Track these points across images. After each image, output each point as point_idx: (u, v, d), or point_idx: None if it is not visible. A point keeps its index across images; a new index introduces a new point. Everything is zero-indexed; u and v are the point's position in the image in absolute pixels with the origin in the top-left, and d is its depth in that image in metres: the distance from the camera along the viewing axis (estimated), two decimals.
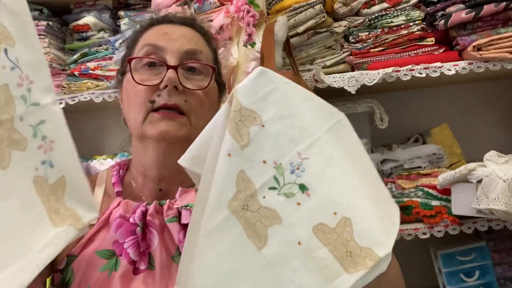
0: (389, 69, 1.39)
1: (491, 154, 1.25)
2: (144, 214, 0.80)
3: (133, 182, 0.90)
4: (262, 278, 0.61)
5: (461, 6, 1.37)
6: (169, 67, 0.80)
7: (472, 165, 1.24)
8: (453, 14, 1.36)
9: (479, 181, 1.21)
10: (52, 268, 0.77)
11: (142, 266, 0.78)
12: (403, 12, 1.46)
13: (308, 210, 0.62)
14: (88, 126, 1.86)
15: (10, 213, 0.56)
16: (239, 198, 0.61)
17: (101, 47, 1.64)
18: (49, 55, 1.57)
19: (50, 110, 0.62)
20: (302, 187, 0.63)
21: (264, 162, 0.62)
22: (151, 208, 0.81)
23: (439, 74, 1.37)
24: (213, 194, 0.61)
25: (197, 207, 0.66)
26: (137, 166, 0.89)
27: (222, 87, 0.94)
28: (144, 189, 0.88)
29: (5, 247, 0.55)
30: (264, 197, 0.62)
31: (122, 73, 0.89)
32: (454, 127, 1.59)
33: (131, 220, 0.79)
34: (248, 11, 1.26)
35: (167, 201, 0.82)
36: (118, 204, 0.82)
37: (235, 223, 0.61)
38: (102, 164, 1.58)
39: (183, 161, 0.67)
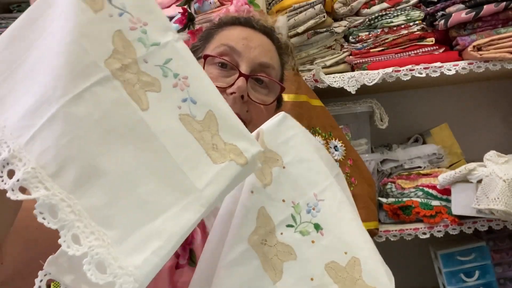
0: (389, 69, 1.39)
1: (491, 154, 1.25)
2: None
3: None
4: None
5: (461, 6, 1.37)
6: (241, 74, 0.81)
7: (472, 165, 1.24)
8: (453, 14, 1.36)
9: (479, 181, 1.21)
10: None
11: (183, 261, 0.80)
12: (403, 12, 1.46)
13: (322, 248, 0.66)
14: None
15: (165, 152, 0.53)
16: (259, 233, 0.64)
17: None
18: None
19: (174, 47, 0.57)
20: (317, 227, 0.67)
21: (283, 201, 0.66)
22: None
23: (439, 74, 1.37)
24: (235, 227, 0.64)
25: (214, 238, 0.68)
26: None
27: (279, 104, 0.95)
28: None
29: (166, 187, 0.53)
30: (281, 234, 0.65)
31: None
32: (454, 127, 1.60)
33: None
34: (248, 11, 1.26)
35: None
36: None
37: (254, 256, 0.64)
38: None
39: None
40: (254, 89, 0.84)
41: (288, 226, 0.66)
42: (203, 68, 0.81)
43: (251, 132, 0.77)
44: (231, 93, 0.80)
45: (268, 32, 0.91)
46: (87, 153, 0.50)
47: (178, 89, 0.57)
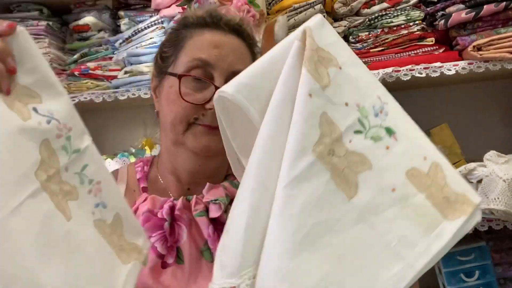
0: (389, 69, 1.39)
1: (491, 154, 1.25)
2: (172, 209, 0.81)
3: (160, 179, 0.91)
4: (356, 230, 0.56)
5: (461, 6, 1.37)
6: (217, 88, 0.78)
7: (472, 165, 1.24)
8: (453, 14, 1.36)
9: (479, 181, 1.21)
10: None
11: (170, 260, 0.79)
12: (403, 12, 1.46)
13: (399, 154, 0.59)
14: (88, 126, 1.85)
15: (90, 260, 0.58)
16: (324, 142, 0.56)
17: (101, 47, 1.64)
18: (49, 55, 1.57)
19: (90, 152, 0.62)
20: (389, 131, 0.60)
21: (346, 104, 0.58)
22: (178, 203, 0.81)
23: (439, 74, 1.37)
24: (294, 137, 0.55)
25: (258, 158, 0.58)
26: (167, 164, 0.90)
27: None
28: (171, 186, 0.89)
29: None
30: (350, 141, 0.57)
31: (164, 72, 0.87)
32: (454, 127, 1.59)
33: (158, 215, 0.80)
34: (248, 11, 1.26)
35: (194, 196, 0.83)
36: (145, 200, 0.83)
37: (322, 169, 0.55)
38: None
39: (228, 91, 0.59)
40: None
41: (357, 132, 0.58)
42: (179, 87, 0.81)
43: None
44: (210, 109, 0.79)
45: (238, 30, 0.88)
46: (29, 269, 0.51)
47: (92, 195, 0.61)
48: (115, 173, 0.93)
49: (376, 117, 0.60)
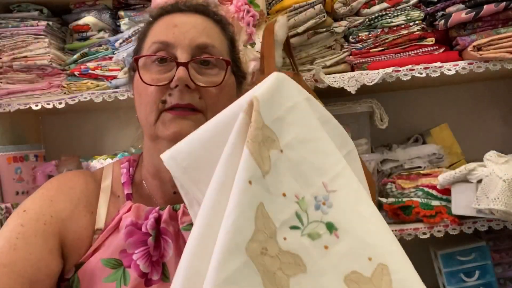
0: (389, 69, 1.39)
1: (491, 154, 1.25)
2: (157, 220, 0.76)
3: (144, 183, 0.86)
4: None
5: (461, 6, 1.37)
6: (179, 64, 0.75)
7: (472, 165, 1.24)
8: (453, 14, 1.36)
9: (479, 181, 1.21)
10: (60, 278, 0.75)
11: (155, 277, 0.74)
12: (403, 12, 1.46)
13: (338, 255, 0.52)
14: (88, 126, 1.86)
15: None
16: (258, 239, 0.49)
17: (101, 47, 1.63)
18: (49, 55, 1.57)
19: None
20: (330, 227, 0.52)
21: (284, 195, 0.52)
22: (164, 214, 0.77)
23: (439, 74, 1.36)
24: (227, 231, 0.48)
25: (195, 244, 0.51)
26: (149, 167, 0.84)
27: (241, 78, 0.89)
28: (156, 191, 0.84)
29: None
30: (285, 239, 0.50)
31: (133, 69, 0.84)
32: (454, 127, 1.59)
33: (143, 228, 0.75)
34: (248, 11, 1.26)
35: (182, 205, 0.78)
36: (129, 209, 0.77)
37: (253, 272, 0.48)
38: (102, 164, 1.57)
39: (168, 158, 0.55)
40: (201, 73, 0.78)
41: (293, 228, 0.51)
42: (139, 73, 0.78)
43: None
44: (175, 87, 0.75)
45: (200, 9, 0.84)
46: None
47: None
48: (99, 172, 0.88)
49: (317, 210, 0.52)
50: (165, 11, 0.84)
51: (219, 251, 0.47)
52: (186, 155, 0.55)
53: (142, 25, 0.88)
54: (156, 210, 0.77)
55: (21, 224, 0.72)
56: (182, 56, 0.76)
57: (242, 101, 0.56)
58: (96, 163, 1.61)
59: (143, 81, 0.77)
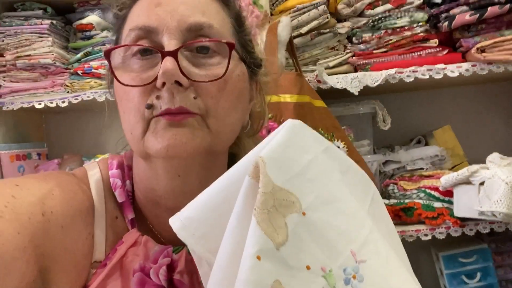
0: (392, 71, 1.39)
1: (494, 156, 1.24)
2: (170, 267, 0.60)
3: (142, 209, 0.66)
4: None
5: (465, 8, 1.36)
6: (164, 54, 0.54)
7: (474, 167, 1.23)
8: (457, 16, 1.36)
9: (482, 183, 1.21)
10: None
11: None
12: (406, 14, 1.46)
13: None
14: (91, 124, 1.87)
15: None
16: None
17: (105, 46, 1.64)
18: (52, 54, 1.58)
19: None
20: None
21: (308, 268, 0.43)
22: (180, 262, 0.60)
23: (442, 76, 1.36)
24: None
25: None
26: (144, 191, 0.64)
27: (254, 67, 0.66)
28: (158, 222, 0.65)
29: None
30: None
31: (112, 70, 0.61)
32: (457, 129, 1.59)
33: (152, 276, 0.58)
34: (252, 12, 1.26)
35: None
36: (134, 244, 0.61)
37: None
38: None
39: (180, 228, 0.47)
40: (197, 64, 0.57)
41: None
42: (113, 73, 0.58)
43: (213, 128, 0.56)
44: (163, 85, 0.55)
45: None
46: None
47: None
48: (83, 176, 0.65)
49: (347, 285, 0.45)
50: None
51: None
52: (198, 224, 0.47)
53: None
54: (169, 253, 0.60)
55: (12, 195, 0.53)
56: (169, 43, 0.56)
57: (249, 159, 0.48)
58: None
59: (118, 80, 0.57)
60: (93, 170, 0.65)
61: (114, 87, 0.62)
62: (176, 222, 0.47)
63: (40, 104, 1.54)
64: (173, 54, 0.54)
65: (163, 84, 0.54)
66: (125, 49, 0.58)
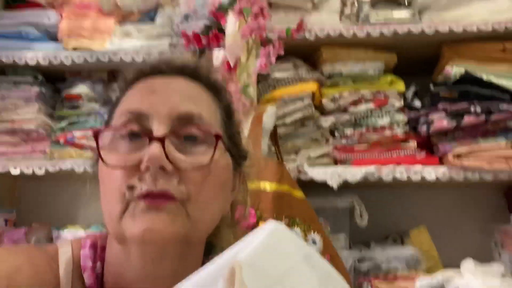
0: (372, 168, 1.41)
1: (469, 264, 1.24)
2: None
3: None
4: None
5: (443, 114, 1.42)
6: (152, 139, 0.55)
7: (449, 273, 1.23)
8: (435, 122, 1.41)
9: None
10: None
11: None
12: (387, 114, 1.51)
13: None
14: (65, 194, 1.82)
15: None
16: None
17: (91, 117, 1.64)
18: (36, 121, 1.57)
19: None
20: None
21: None
22: None
23: (420, 177, 1.39)
24: None
25: None
26: (115, 277, 0.62)
27: (239, 159, 0.67)
28: None
29: None
30: None
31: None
32: (433, 230, 1.60)
33: None
34: (239, 100, 1.29)
35: None
36: None
37: None
38: (74, 235, 1.53)
39: None
40: (183, 151, 0.58)
41: None
42: (98, 152, 0.57)
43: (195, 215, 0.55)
44: (147, 169, 0.55)
45: (188, 72, 0.65)
46: None
47: None
48: (54, 252, 0.63)
49: None
50: (143, 74, 0.65)
51: None
52: None
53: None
54: None
55: None
56: (158, 129, 0.57)
57: (225, 260, 0.46)
58: (68, 233, 1.57)
59: (102, 160, 0.57)
60: (65, 248, 0.63)
61: (99, 167, 0.61)
62: None
63: (16, 169, 1.51)
64: (161, 140, 0.55)
65: (147, 167, 0.54)
66: (113, 132, 0.59)
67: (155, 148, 0.54)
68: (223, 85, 0.69)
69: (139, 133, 0.58)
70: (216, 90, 0.67)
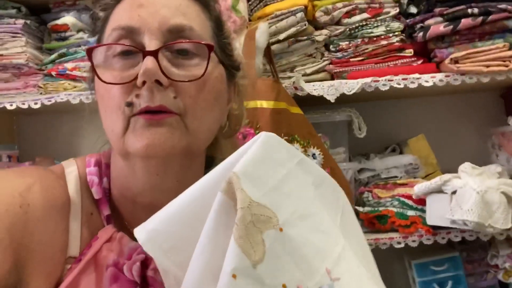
0: (368, 79, 1.40)
1: (466, 166, 1.26)
2: (143, 263, 0.59)
3: (119, 207, 0.67)
4: None
5: (440, 19, 1.39)
6: (145, 53, 0.57)
7: (447, 176, 1.25)
8: (431, 27, 1.38)
9: (454, 192, 1.23)
10: None
11: None
12: (383, 23, 1.48)
13: None
14: (64, 127, 1.83)
15: None
16: None
17: (80, 48, 1.61)
18: (25, 54, 1.54)
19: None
20: None
21: (284, 286, 0.42)
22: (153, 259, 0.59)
23: (417, 85, 1.38)
24: None
25: None
26: (122, 190, 0.66)
27: (232, 69, 0.70)
28: (133, 219, 0.65)
29: None
30: None
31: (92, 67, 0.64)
32: (431, 138, 1.61)
33: (125, 271, 0.59)
34: (230, 17, 1.26)
35: None
36: (109, 239, 0.61)
37: None
38: None
39: (146, 240, 0.46)
40: (176, 64, 0.60)
41: None
42: (95, 71, 0.59)
43: (192, 130, 0.58)
44: (143, 83, 0.57)
45: None
46: None
47: None
48: (60, 172, 0.66)
49: None
50: None
51: None
52: (166, 236, 0.46)
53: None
54: (142, 250, 0.59)
55: None
56: (150, 43, 0.58)
57: (221, 173, 0.47)
58: None
59: (99, 78, 0.59)
60: (71, 168, 0.67)
61: (95, 85, 0.64)
62: (142, 234, 0.47)
63: (11, 105, 1.51)
64: (154, 54, 0.57)
65: (143, 82, 0.56)
66: (107, 48, 0.60)
67: (149, 62, 0.56)
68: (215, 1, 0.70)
69: (131, 49, 0.59)
70: (204, 1, 0.67)
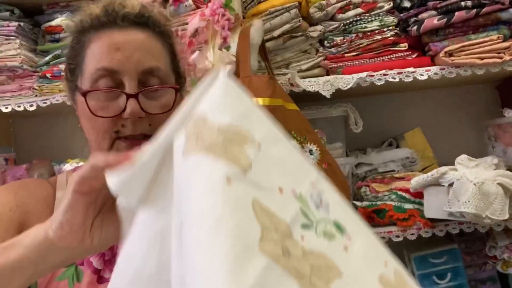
0: (363, 74, 1.40)
1: (462, 158, 1.27)
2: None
3: None
4: None
5: (433, 12, 1.39)
6: (129, 96, 0.71)
7: (443, 168, 1.26)
8: (425, 20, 1.39)
9: (451, 185, 1.23)
10: None
11: (107, 275, 0.73)
12: (377, 18, 1.48)
13: (360, 258, 0.44)
14: (60, 128, 1.83)
15: None
16: (271, 238, 0.38)
17: None
18: (20, 57, 1.54)
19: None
20: (338, 226, 0.45)
21: (281, 190, 0.42)
22: None
23: (412, 79, 1.39)
24: (226, 235, 0.37)
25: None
26: None
27: (182, 85, 0.85)
28: None
29: None
30: (302, 238, 0.41)
31: (74, 86, 0.78)
32: (427, 131, 1.62)
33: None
34: (223, 15, 1.25)
35: None
36: None
37: (284, 276, 0.37)
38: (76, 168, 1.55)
39: (115, 185, 0.47)
40: (150, 97, 0.74)
41: (304, 226, 0.42)
42: (87, 105, 0.72)
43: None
44: (127, 118, 0.71)
45: (140, 22, 0.76)
46: None
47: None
48: (53, 181, 0.84)
49: (317, 208, 0.44)
50: (102, 24, 0.75)
51: (222, 260, 0.35)
52: (132, 179, 0.47)
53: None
54: None
55: None
56: (130, 85, 0.72)
57: (177, 121, 0.47)
58: (69, 167, 1.58)
59: (94, 114, 0.72)
60: (62, 177, 0.84)
61: (79, 105, 0.76)
62: (114, 183, 0.47)
63: (7, 108, 1.50)
64: (135, 96, 0.72)
65: (127, 117, 0.71)
66: (93, 83, 0.73)
67: (133, 104, 0.71)
68: (166, 24, 0.82)
69: (108, 89, 0.73)
70: (163, 35, 0.80)
